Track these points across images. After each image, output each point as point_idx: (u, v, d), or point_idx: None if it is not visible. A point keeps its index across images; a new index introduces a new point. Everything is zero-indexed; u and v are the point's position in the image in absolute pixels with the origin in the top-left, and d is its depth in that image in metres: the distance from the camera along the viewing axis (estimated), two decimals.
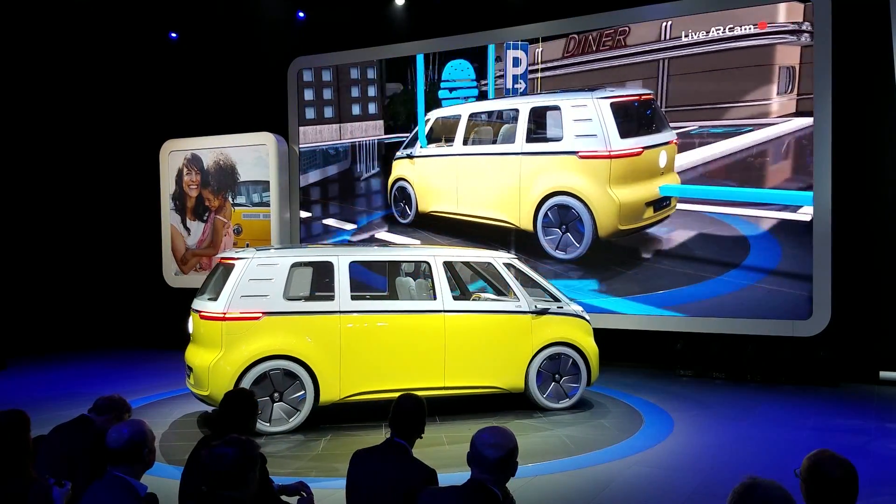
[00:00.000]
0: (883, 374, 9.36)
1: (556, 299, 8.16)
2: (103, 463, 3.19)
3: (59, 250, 13.28)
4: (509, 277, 8.04)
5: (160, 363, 11.14)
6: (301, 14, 12.80)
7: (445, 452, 6.40)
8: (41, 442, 3.92)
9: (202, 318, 7.21)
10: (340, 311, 7.29)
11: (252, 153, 12.78)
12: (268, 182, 12.64)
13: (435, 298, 7.63)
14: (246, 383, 6.89)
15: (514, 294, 8.02)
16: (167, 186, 13.39)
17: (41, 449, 3.83)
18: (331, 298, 7.39)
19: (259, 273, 7.15)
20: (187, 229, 13.30)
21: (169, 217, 13.41)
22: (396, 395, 7.69)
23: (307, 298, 8.01)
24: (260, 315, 7.07)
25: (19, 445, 3.31)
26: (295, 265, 7.45)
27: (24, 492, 3.12)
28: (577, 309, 8.28)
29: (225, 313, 6.99)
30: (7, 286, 12.28)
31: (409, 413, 3.69)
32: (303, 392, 7.13)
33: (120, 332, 13.37)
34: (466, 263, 8.90)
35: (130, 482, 3.07)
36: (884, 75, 8.84)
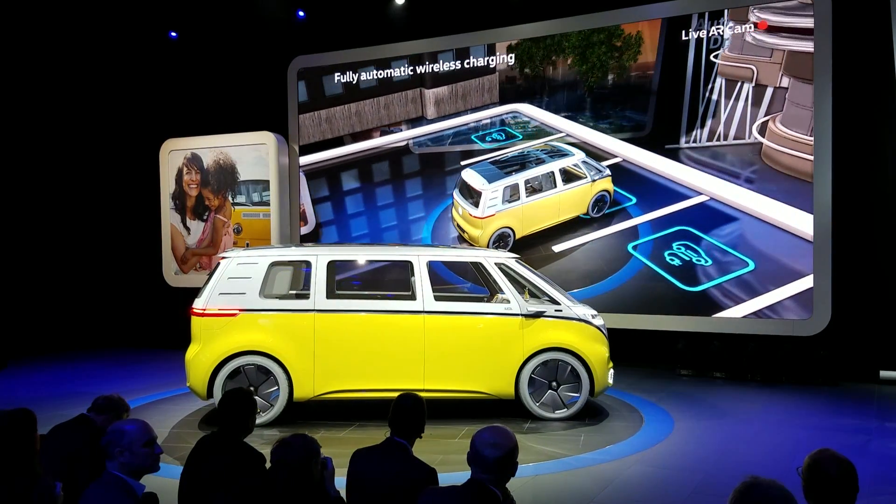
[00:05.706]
0: (883, 373, 9.35)
1: (556, 302, 7.67)
2: (103, 462, 3.18)
3: (60, 250, 13.28)
4: (500, 278, 7.62)
5: (160, 363, 11.14)
6: (301, 13, 12.78)
7: None
8: (41, 441, 3.92)
9: (190, 314, 7.52)
10: (315, 310, 7.36)
11: (252, 152, 12.77)
12: (268, 181, 12.64)
13: (415, 298, 7.54)
14: (221, 377, 7.20)
15: (506, 295, 7.64)
16: (167, 186, 13.38)
17: (41, 449, 3.83)
18: (306, 297, 7.49)
19: (238, 272, 7.43)
20: (187, 229, 13.30)
21: (169, 216, 13.41)
22: (371, 394, 7.68)
23: (283, 297, 8.04)
24: (237, 312, 7.32)
25: (26, 444, 3.32)
26: (274, 264, 7.61)
27: (29, 490, 3.12)
28: (583, 313, 7.65)
29: (204, 309, 7.34)
30: (7, 286, 12.28)
31: (409, 412, 3.69)
32: (276, 388, 7.27)
33: (120, 332, 13.36)
34: (451, 263, 8.78)
35: (128, 482, 3.07)
36: (884, 75, 8.85)
